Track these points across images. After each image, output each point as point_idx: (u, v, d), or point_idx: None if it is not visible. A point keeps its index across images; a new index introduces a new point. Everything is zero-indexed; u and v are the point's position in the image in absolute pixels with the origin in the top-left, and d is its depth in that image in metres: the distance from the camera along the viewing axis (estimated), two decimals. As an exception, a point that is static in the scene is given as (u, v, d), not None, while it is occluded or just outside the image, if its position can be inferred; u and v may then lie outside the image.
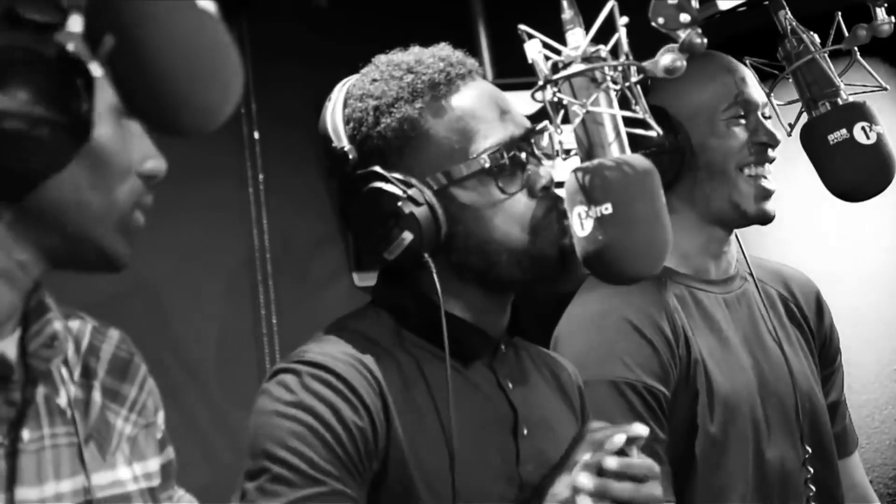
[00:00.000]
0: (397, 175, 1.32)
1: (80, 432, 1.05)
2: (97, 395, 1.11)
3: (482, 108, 1.35)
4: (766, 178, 1.75)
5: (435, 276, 1.30)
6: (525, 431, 1.38)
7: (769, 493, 1.68)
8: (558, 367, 1.54)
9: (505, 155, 1.33)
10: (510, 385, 1.40)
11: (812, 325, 1.88)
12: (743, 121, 1.74)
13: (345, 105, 1.39)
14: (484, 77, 1.41)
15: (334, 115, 1.39)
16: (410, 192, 1.31)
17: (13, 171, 0.90)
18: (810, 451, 1.73)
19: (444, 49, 1.40)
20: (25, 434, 1.00)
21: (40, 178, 0.93)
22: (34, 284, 1.04)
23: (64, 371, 1.08)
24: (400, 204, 1.30)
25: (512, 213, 1.33)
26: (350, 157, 1.35)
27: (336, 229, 2.94)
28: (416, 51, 1.41)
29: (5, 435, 0.98)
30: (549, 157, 1.37)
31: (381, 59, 1.41)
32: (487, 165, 1.32)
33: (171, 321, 2.57)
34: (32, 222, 0.97)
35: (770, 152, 1.74)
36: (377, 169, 1.33)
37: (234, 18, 2.71)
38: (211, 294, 2.71)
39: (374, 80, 1.38)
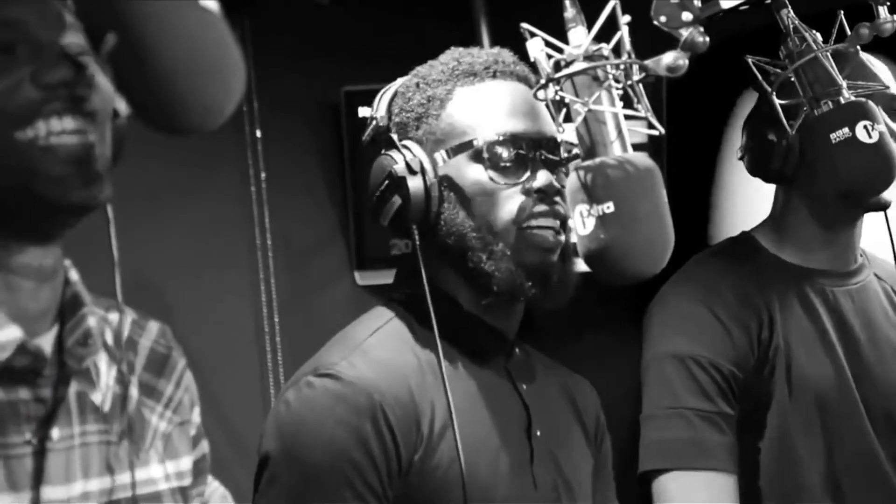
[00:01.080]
0: (408, 144, 1.35)
1: (116, 429, 1.04)
2: (134, 391, 1.10)
3: (502, 101, 1.37)
4: None
5: (418, 248, 1.32)
6: (538, 433, 1.38)
7: (853, 480, 1.69)
8: (577, 381, 1.55)
9: (507, 144, 1.33)
10: (524, 387, 1.41)
11: None
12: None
13: (402, 84, 1.43)
14: (535, 95, 1.38)
15: (387, 90, 1.43)
16: (409, 159, 1.33)
17: None
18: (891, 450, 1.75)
19: (504, 51, 1.42)
20: (55, 433, 0.98)
21: None
22: (65, 278, 1.02)
23: (103, 365, 1.07)
24: (396, 168, 1.33)
25: (499, 204, 1.34)
26: (380, 125, 1.39)
27: (338, 228, 2.94)
28: (479, 49, 1.44)
29: (34, 433, 0.97)
30: (556, 170, 1.37)
31: (449, 51, 1.46)
32: (486, 148, 1.34)
33: (173, 319, 2.56)
34: None
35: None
36: (393, 136, 1.37)
37: (236, 16, 2.71)
38: (212, 292, 2.71)
39: (430, 65, 1.43)
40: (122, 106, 0.98)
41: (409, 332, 1.37)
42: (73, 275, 1.08)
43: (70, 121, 0.93)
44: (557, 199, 1.35)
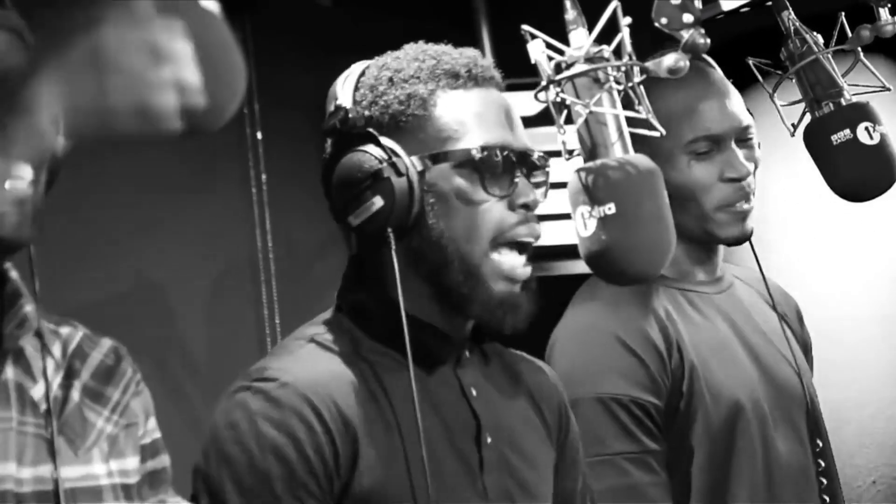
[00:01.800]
0: (389, 142, 1.31)
1: (53, 426, 1.08)
2: (75, 394, 1.14)
3: (490, 111, 1.35)
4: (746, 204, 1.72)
5: (394, 254, 1.28)
6: (489, 440, 1.35)
7: (780, 488, 1.68)
8: (537, 373, 1.51)
9: (499, 153, 1.31)
10: (474, 392, 1.37)
11: (796, 331, 1.88)
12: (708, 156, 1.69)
13: (362, 73, 1.38)
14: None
15: (348, 79, 1.38)
16: (395, 160, 1.29)
17: None
18: (821, 444, 1.74)
19: (477, 52, 1.39)
20: None
21: None
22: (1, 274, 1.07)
23: (50, 368, 1.11)
24: (381, 168, 1.28)
25: (483, 217, 1.31)
26: (349, 116, 1.32)
27: (339, 229, 2.94)
28: (448, 47, 1.40)
29: None
30: (539, 185, 1.36)
31: (411, 45, 1.41)
32: (477, 157, 1.31)
33: (174, 321, 2.57)
34: None
35: (749, 182, 1.70)
36: (371, 130, 1.31)
37: (237, 18, 2.72)
38: (214, 295, 2.71)
39: (398, 58, 1.38)
40: (60, 146, 1.02)
41: (349, 339, 1.34)
42: (13, 274, 1.13)
43: (26, 170, 1.01)
44: (533, 213, 1.34)
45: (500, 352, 1.49)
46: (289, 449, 1.23)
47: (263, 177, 2.80)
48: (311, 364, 1.30)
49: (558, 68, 1.23)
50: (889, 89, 1.66)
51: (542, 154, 1.37)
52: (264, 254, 2.79)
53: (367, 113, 1.33)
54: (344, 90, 1.36)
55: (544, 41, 1.23)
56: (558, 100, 1.23)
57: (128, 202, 2.35)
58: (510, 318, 1.33)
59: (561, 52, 1.23)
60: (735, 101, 1.72)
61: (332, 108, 1.36)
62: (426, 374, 1.33)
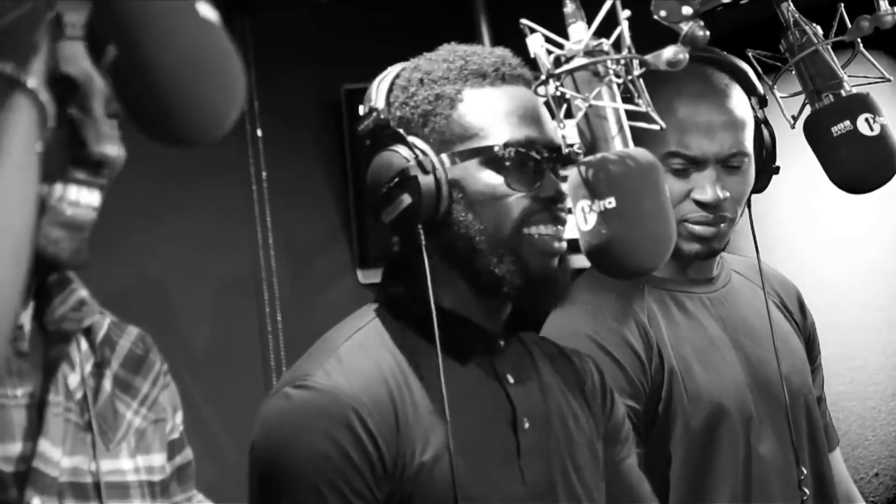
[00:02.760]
0: (416, 141, 1.34)
1: (92, 415, 1.08)
2: (107, 384, 1.13)
3: (516, 108, 1.35)
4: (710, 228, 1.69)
5: (423, 248, 1.32)
6: (526, 425, 1.38)
7: (762, 489, 1.68)
8: (579, 359, 1.54)
9: (524, 149, 1.33)
10: (511, 379, 1.40)
11: (798, 321, 1.88)
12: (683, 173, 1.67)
13: (397, 76, 1.41)
14: (535, 91, 1.37)
15: (383, 80, 1.41)
16: (421, 158, 1.33)
17: None
18: (806, 445, 1.73)
19: (506, 52, 1.41)
20: (51, 396, 1.03)
21: None
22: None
23: (77, 357, 1.11)
24: (408, 167, 1.32)
25: (510, 209, 1.33)
26: (381, 117, 1.37)
27: (340, 226, 2.95)
28: (480, 47, 1.42)
29: (30, 388, 1.02)
30: (565, 179, 1.37)
31: (445, 46, 1.43)
32: (502, 154, 1.32)
33: (176, 319, 2.58)
34: None
35: (722, 208, 1.67)
36: (399, 131, 1.35)
37: (236, 15, 2.72)
38: (215, 291, 2.71)
39: (430, 60, 1.40)
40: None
41: (389, 334, 1.37)
42: None
43: (94, 195, 1.03)
44: (561, 205, 1.35)
45: (537, 341, 1.52)
46: (337, 459, 1.26)
47: (264, 174, 2.80)
48: (352, 365, 1.32)
49: (557, 62, 1.23)
50: (889, 80, 1.66)
51: (573, 149, 1.37)
52: (265, 250, 2.79)
53: (398, 113, 1.37)
54: (378, 92, 1.39)
55: (543, 35, 1.23)
56: (558, 94, 1.23)
57: (128, 199, 2.36)
58: (548, 294, 1.36)
59: (560, 46, 1.23)
60: (733, 125, 1.67)
61: (366, 109, 1.40)
62: (461, 364, 1.36)
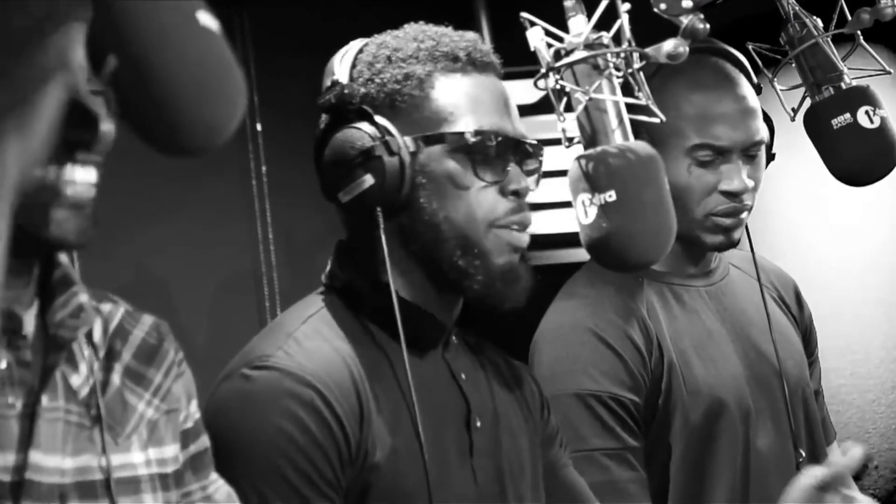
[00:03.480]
0: (382, 121, 1.30)
1: (102, 411, 1.07)
2: (116, 378, 1.12)
3: (486, 97, 1.34)
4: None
5: (382, 233, 1.28)
6: (478, 423, 1.35)
7: (760, 482, 1.68)
8: (514, 367, 1.51)
9: (493, 139, 1.30)
10: (463, 376, 1.37)
11: (795, 314, 1.88)
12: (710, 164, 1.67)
13: (360, 50, 1.37)
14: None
15: (346, 55, 1.37)
16: (388, 138, 1.28)
17: None
18: (804, 438, 1.73)
19: (477, 37, 1.38)
20: (44, 400, 1.01)
21: None
22: (48, 259, 1.05)
23: (86, 351, 1.10)
24: (373, 146, 1.28)
25: (476, 200, 1.30)
26: (345, 91, 1.31)
27: (340, 222, 2.94)
28: (449, 29, 1.39)
29: (25, 397, 1.00)
30: (531, 173, 1.35)
31: (410, 25, 1.40)
32: (471, 142, 1.30)
33: (175, 314, 2.57)
34: None
35: (745, 198, 1.67)
36: (365, 108, 1.30)
37: (235, 9, 2.71)
38: (215, 287, 2.71)
39: (397, 37, 1.37)
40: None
41: (341, 321, 1.33)
42: (63, 258, 1.10)
43: (91, 172, 1.02)
44: (525, 201, 1.33)
45: (481, 343, 1.49)
46: (304, 441, 1.22)
47: (263, 168, 2.80)
48: (312, 348, 1.28)
49: (557, 55, 1.23)
50: (889, 73, 1.66)
51: (535, 142, 1.36)
52: (265, 245, 2.79)
53: (362, 90, 1.32)
54: (341, 66, 1.35)
55: (543, 28, 1.23)
56: (558, 87, 1.22)
57: (127, 194, 2.35)
58: (510, 291, 1.32)
59: (560, 40, 1.23)
60: (752, 113, 1.67)
61: (328, 83, 1.35)
62: (416, 357, 1.32)
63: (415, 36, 1.36)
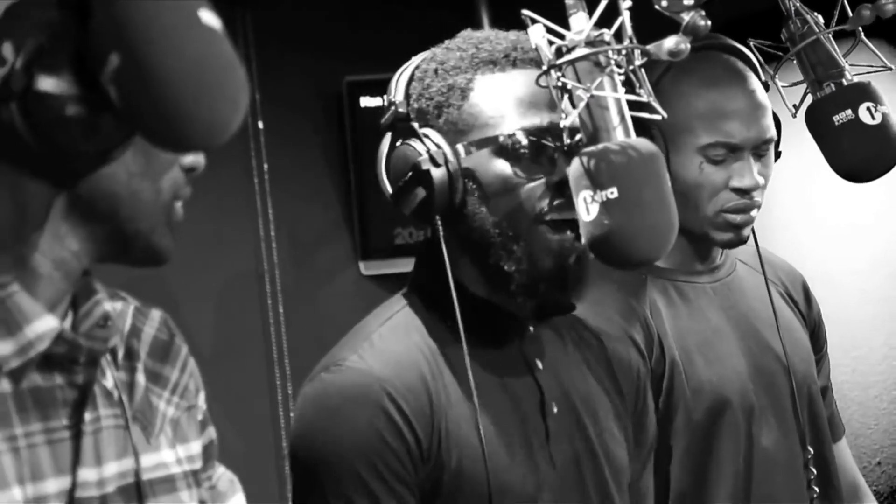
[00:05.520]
0: (429, 133, 1.35)
1: (128, 414, 1.06)
2: (141, 377, 1.12)
3: (527, 94, 1.35)
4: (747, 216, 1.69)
5: (441, 239, 1.34)
6: (555, 409, 1.39)
7: (764, 480, 1.68)
8: (616, 343, 1.55)
9: (534, 138, 1.33)
10: (540, 365, 1.41)
11: (803, 310, 1.88)
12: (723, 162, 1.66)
13: (417, 66, 1.42)
14: (537, 82, 1.33)
15: (404, 72, 1.42)
16: (433, 151, 1.34)
17: (71, 155, 0.92)
18: (809, 435, 1.73)
19: (520, 35, 1.40)
20: (87, 415, 1.01)
21: (98, 162, 0.95)
22: (83, 272, 1.05)
23: (107, 357, 1.09)
24: (420, 160, 1.33)
25: (522, 198, 1.33)
26: (400, 110, 1.38)
27: (342, 218, 2.95)
28: (493, 31, 1.43)
29: (70, 416, 1.00)
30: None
31: (462, 33, 1.44)
32: (510, 143, 1.33)
33: (178, 311, 2.57)
34: (85, 212, 0.99)
35: (755, 195, 1.67)
36: (413, 124, 1.37)
37: (238, 7, 2.72)
38: (217, 284, 2.72)
39: (446, 49, 1.42)
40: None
41: (420, 320, 1.39)
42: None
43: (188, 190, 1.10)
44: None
45: (572, 324, 1.52)
46: (376, 441, 1.28)
47: (265, 166, 2.80)
48: (385, 349, 1.34)
49: (559, 52, 1.23)
50: (890, 69, 1.66)
51: (567, 126, 1.37)
52: (266, 243, 2.79)
53: (416, 105, 1.39)
54: (398, 85, 1.41)
55: (545, 26, 1.23)
56: (559, 84, 1.22)
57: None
58: (554, 295, 1.36)
59: (561, 37, 1.23)
60: (763, 110, 1.67)
61: (385, 103, 1.41)
62: (492, 351, 1.38)
63: (459, 45, 1.41)
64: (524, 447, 1.35)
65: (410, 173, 1.34)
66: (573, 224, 1.31)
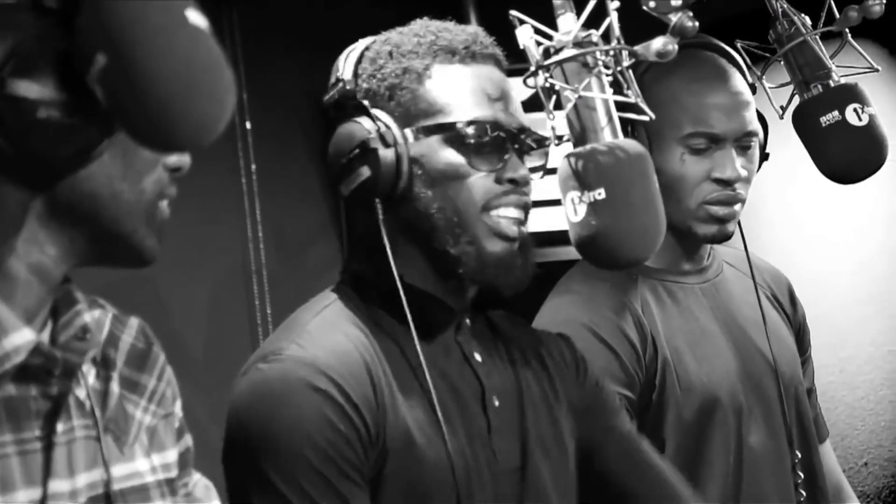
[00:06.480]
0: (379, 114, 1.33)
1: (99, 424, 1.05)
2: (115, 386, 1.11)
3: (484, 87, 1.34)
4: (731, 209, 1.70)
5: (381, 223, 1.31)
6: (497, 403, 1.37)
7: (752, 479, 1.68)
8: (547, 339, 1.53)
9: (489, 131, 1.31)
10: (478, 357, 1.39)
11: (788, 313, 1.88)
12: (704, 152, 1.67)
13: (366, 48, 1.40)
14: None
15: (352, 52, 1.40)
16: (383, 131, 1.31)
17: (47, 158, 0.91)
18: (796, 436, 1.73)
19: (479, 30, 1.40)
20: (59, 426, 1.00)
21: (74, 165, 0.94)
22: (63, 278, 1.04)
23: (85, 364, 1.08)
24: (369, 139, 1.31)
25: (470, 189, 1.31)
26: (347, 88, 1.35)
27: (329, 218, 2.94)
28: (453, 24, 1.41)
29: (42, 427, 0.99)
30: (536, 170, 1.36)
31: (418, 21, 1.43)
32: (464, 132, 1.31)
33: (165, 312, 2.57)
34: (65, 215, 0.98)
35: (737, 187, 1.68)
36: (364, 102, 1.34)
37: (224, 6, 2.71)
38: (204, 284, 2.71)
39: (401, 34, 1.40)
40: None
41: (355, 310, 1.36)
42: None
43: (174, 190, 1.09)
44: (525, 188, 1.34)
45: (508, 319, 1.50)
46: (325, 428, 1.24)
47: (253, 166, 2.79)
48: (324, 339, 1.30)
49: (547, 53, 1.23)
50: (877, 70, 1.66)
51: (539, 135, 1.36)
52: (254, 243, 2.79)
53: (365, 85, 1.36)
54: (346, 63, 1.38)
55: (532, 26, 1.23)
56: (547, 85, 1.23)
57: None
58: (504, 278, 1.33)
59: (549, 38, 1.23)
60: (746, 105, 1.68)
61: (332, 80, 1.38)
62: (427, 342, 1.34)
63: (416, 31, 1.39)
64: (466, 438, 1.33)
65: (357, 151, 1.31)
66: (519, 221, 1.32)
